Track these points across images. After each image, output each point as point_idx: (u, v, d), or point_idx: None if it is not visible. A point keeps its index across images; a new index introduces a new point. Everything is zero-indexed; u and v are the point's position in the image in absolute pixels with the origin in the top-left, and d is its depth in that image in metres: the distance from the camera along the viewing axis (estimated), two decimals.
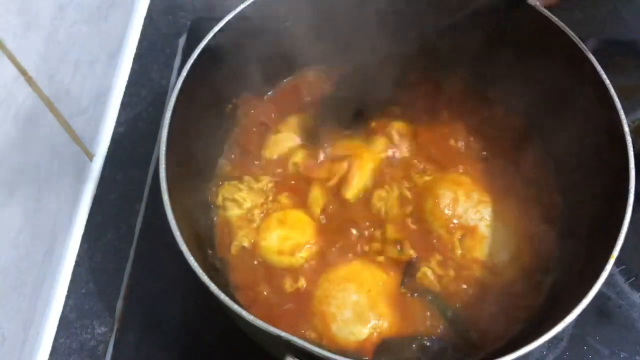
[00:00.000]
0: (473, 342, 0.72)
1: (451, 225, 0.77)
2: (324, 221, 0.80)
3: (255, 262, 0.78)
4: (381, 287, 0.75)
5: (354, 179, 0.81)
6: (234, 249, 0.79)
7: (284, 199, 0.82)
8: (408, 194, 0.81)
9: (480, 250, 0.77)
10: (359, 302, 0.73)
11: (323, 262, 0.77)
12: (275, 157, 0.85)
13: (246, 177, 0.83)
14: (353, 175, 0.82)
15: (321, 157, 0.84)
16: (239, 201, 0.81)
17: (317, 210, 0.80)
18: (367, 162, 0.83)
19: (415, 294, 0.75)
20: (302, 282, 0.76)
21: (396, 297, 0.75)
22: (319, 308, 0.74)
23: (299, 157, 0.85)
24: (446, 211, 0.78)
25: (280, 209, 0.81)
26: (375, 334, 0.72)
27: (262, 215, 0.81)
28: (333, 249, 0.78)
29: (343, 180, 0.82)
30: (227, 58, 0.78)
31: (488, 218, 0.78)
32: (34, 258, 0.81)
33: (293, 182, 0.83)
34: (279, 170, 0.84)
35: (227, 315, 0.67)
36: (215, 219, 0.82)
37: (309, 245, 0.78)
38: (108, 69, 1.00)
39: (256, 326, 0.59)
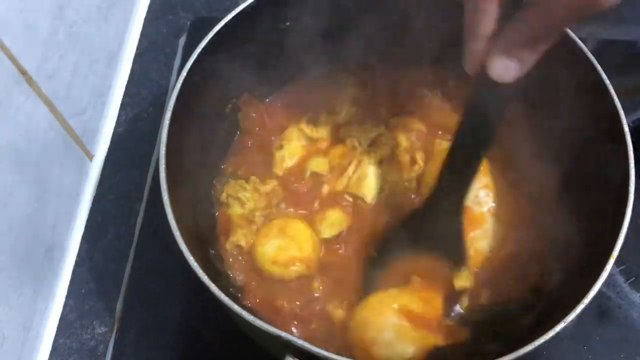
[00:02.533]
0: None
1: None
2: (336, 245, 0.79)
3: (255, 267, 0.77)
4: (419, 314, 0.72)
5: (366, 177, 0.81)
6: (229, 245, 0.78)
7: (289, 206, 0.81)
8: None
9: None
10: (400, 326, 0.70)
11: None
12: (284, 172, 0.85)
13: (253, 178, 0.83)
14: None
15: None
16: (242, 200, 0.81)
17: (333, 232, 0.79)
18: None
19: (465, 323, 0.73)
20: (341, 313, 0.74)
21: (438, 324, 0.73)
22: (357, 335, 0.71)
23: (314, 165, 0.84)
24: None
25: (283, 217, 0.80)
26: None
27: (263, 218, 0.80)
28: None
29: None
30: (227, 58, 0.78)
31: (491, 204, 0.78)
32: (34, 258, 0.81)
33: (305, 191, 0.83)
34: (292, 180, 0.84)
35: (227, 315, 0.67)
36: (217, 214, 0.81)
37: (301, 263, 0.76)
38: (108, 69, 1.00)
39: (256, 326, 0.59)
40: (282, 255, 0.76)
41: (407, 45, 0.85)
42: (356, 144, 0.84)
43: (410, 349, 0.69)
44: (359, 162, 0.83)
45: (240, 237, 0.78)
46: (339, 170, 0.83)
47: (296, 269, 0.76)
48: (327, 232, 0.79)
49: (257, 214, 0.80)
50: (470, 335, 0.71)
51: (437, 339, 0.70)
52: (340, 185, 0.82)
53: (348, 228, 0.80)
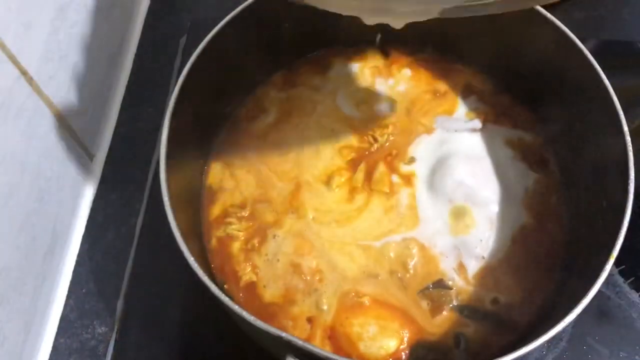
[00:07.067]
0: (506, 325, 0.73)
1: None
2: None
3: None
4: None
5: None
6: (242, 284, 0.77)
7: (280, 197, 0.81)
8: None
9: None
10: (381, 316, 0.72)
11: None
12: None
13: (230, 209, 0.81)
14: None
15: None
16: (234, 234, 0.79)
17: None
18: None
19: (434, 302, 0.74)
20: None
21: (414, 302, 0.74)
22: (341, 330, 0.72)
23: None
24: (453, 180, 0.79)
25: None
26: (403, 342, 0.71)
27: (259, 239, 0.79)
28: None
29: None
30: (227, 58, 0.78)
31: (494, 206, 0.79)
32: (34, 258, 0.81)
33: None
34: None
35: (227, 315, 0.67)
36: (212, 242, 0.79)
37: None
38: (108, 69, 1.00)
39: (256, 326, 0.59)
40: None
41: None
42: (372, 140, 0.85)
43: (394, 341, 0.71)
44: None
45: (250, 275, 0.77)
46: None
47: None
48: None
49: (256, 240, 0.79)
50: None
51: (412, 323, 0.72)
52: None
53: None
